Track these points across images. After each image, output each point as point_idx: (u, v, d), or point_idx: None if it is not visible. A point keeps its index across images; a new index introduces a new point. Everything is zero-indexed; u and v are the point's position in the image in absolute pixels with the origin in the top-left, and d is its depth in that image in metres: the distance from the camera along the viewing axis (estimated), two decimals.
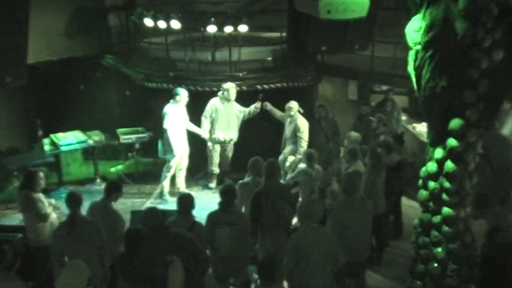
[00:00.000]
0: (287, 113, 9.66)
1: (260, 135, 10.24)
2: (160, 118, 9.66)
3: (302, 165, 8.44)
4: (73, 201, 6.16)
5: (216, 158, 10.11)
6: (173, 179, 9.98)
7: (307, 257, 5.44)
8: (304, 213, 5.62)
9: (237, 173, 9.39)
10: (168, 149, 9.65)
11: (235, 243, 6.12)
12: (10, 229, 8.11)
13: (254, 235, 6.60)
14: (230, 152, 10.23)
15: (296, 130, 9.56)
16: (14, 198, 8.82)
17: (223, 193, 6.28)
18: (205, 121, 9.83)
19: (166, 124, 9.43)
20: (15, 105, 10.84)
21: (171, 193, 9.99)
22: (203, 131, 9.83)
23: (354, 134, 9.17)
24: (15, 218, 8.81)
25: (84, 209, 6.52)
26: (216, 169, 10.20)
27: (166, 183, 9.85)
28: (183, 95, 9.52)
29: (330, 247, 5.53)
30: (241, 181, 7.50)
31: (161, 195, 9.86)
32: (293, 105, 9.58)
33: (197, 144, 9.98)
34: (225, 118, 9.86)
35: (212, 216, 6.20)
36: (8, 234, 7.75)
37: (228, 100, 9.76)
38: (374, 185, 7.48)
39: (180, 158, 9.78)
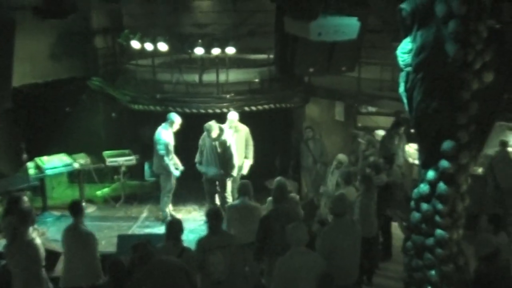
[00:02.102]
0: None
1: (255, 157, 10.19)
2: (146, 140, 9.57)
3: None
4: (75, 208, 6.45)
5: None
6: (158, 201, 9.87)
7: (295, 283, 5.36)
8: (289, 238, 5.55)
9: None
10: (163, 173, 9.52)
11: (228, 266, 6.02)
12: None
13: (260, 259, 6.48)
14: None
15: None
16: None
17: (210, 216, 6.19)
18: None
19: (163, 149, 9.32)
20: None
21: (157, 217, 9.89)
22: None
23: (345, 157, 9.16)
24: None
25: None
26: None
27: (167, 208, 9.73)
28: (176, 121, 9.43)
29: (319, 270, 5.43)
30: (230, 203, 7.43)
31: (163, 222, 9.64)
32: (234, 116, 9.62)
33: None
34: None
35: (202, 241, 6.09)
36: None
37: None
38: (368, 208, 7.46)
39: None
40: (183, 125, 9.56)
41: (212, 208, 6.40)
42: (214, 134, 9.01)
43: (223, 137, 9.10)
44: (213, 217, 6.16)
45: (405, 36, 5.52)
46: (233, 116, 9.67)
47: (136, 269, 4.98)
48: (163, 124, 9.42)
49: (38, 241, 6.32)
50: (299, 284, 5.35)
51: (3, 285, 6.37)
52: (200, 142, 9.45)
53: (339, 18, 6.61)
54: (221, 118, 9.88)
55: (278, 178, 7.27)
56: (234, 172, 9.33)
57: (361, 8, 7.85)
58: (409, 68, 5.44)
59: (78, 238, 6.47)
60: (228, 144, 9.13)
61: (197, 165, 9.52)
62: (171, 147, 9.43)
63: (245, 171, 9.76)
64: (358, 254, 6.43)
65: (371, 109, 12.10)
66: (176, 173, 9.56)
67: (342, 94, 11.18)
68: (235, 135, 9.65)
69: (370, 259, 7.68)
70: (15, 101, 7.88)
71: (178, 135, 9.62)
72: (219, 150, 9.13)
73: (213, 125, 9.08)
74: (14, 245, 6.16)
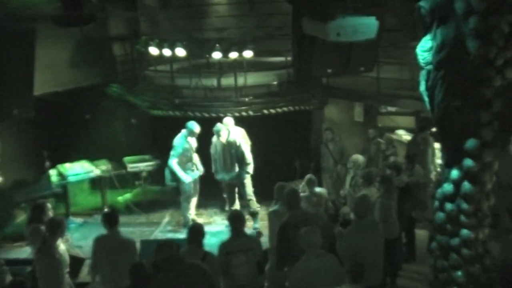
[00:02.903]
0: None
1: (275, 159, 10.18)
2: (167, 145, 9.61)
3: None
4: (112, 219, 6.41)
5: None
6: (180, 206, 9.91)
7: (313, 286, 5.34)
8: (303, 242, 5.53)
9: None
10: (180, 180, 9.55)
11: (251, 269, 6.02)
12: (19, 263, 8.01)
13: (282, 266, 6.41)
14: None
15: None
16: (22, 231, 8.74)
17: (233, 219, 6.19)
18: None
19: (174, 156, 9.37)
20: (22, 137, 10.80)
21: (178, 222, 9.92)
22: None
23: (360, 157, 9.09)
24: (24, 251, 8.72)
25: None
26: None
27: (188, 213, 9.74)
28: (196, 129, 9.40)
29: (335, 272, 5.45)
30: (271, 209, 7.39)
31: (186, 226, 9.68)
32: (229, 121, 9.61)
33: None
34: None
35: (225, 245, 6.09)
36: (17, 268, 7.65)
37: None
38: (388, 209, 7.39)
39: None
40: (202, 130, 9.58)
41: (234, 212, 6.39)
42: (224, 134, 9.12)
43: (231, 137, 9.20)
44: (235, 220, 6.16)
45: (425, 34, 5.46)
46: (228, 121, 9.63)
47: (159, 271, 4.97)
48: (183, 131, 9.46)
49: (62, 247, 6.39)
50: (317, 287, 5.32)
51: None
52: (211, 150, 9.50)
53: (357, 18, 6.58)
54: (240, 122, 9.90)
55: (289, 186, 7.24)
56: (251, 169, 9.34)
57: (378, 7, 7.82)
58: (429, 66, 5.38)
59: (118, 247, 6.43)
60: (238, 142, 9.21)
61: (215, 174, 9.57)
62: (190, 153, 9.45)
63: None
64: (381, 255, 6.38)
65: (391, 109, 12.00)
66: (187, 180, 9.54)
67: (361, 95, 11.11)
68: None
69: (393, 261, 7.61)
70: (36, 109, 7.96)
71: (197, 139, 9.65)
72: (231, 150, 9.21)
73: (220, 126, 9.20)
74: (43, 251, 6.24)
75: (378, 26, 6.84)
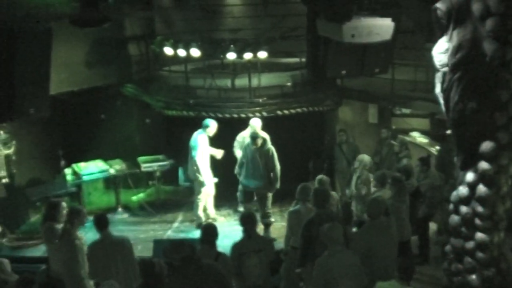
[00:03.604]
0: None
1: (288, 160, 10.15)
2: (181, 145, 9.65)
3: None
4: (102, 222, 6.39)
5: None
6: (193, 206, 9.93)
7: (335, 281, 5.39)
8: (325, 238, 5.60)
9: None
10: (196, 178, 9.57)
11: (264, 270, 6.03)
12: (34, 261, 8.09)
13: (303, 264, 6.42)
14: None
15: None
16: (37, 229, 8.83)
17: (245, 220, 6.20)
18: None
19: (197, 154, 9.37)
20: (38, 136, 10.90)
21: (191, 221, 9.94)
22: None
23: (366, 157, 9.05)
24: (38, 249, 8.80)
25: None
26: None
27: (201, 213, 9.77)
28: (212, 126, 9.47)
29: (356, 269, 5.51)
30: (291, 209, 7.39)
31: (198, 227, 9.68)
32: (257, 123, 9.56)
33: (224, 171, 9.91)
34: None
35: (237, 245, 6.11)
36: (32, 265, 7.73)
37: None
38: (399, 211, 7.35)
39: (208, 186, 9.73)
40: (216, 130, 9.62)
41: (246, 212, 6.40)
42: (259, 142, 8.94)
43: (267, 145, 9.02)
44: (247, 221, 6.18)
45: (441, 36, 5.42)
46: (255, 122, 9.64)
47: (176, 271, 4.97)
48: (199, 130, 9.48)
49: (80, 242, 6.47)
50: (339, 283, 5.38)
51: None
52: (241, 152, 9.40)
53: (373, 19, 6.57)
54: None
55: (319, 182, 7.24)
56: (277, 185, 9.15)
57: (394, 9, 7.79)
58: (445, 68, 5.33)
59: (113, 247, 6.46)
60: (271, 153, 9.02)
61: (239, 176, 9.48)
62: (206, 151, 9.48)
63: None
64: (394, 256, 6.36)
65: (405, 111, 11.94)
66: (206, 180, 9.57)
67: (375, 96, 11.07)
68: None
69: (405, 263, 7.56)
70: (52, 109, 8.04)
71: (211, 140, 9.68)
72: (261, 160, 9.01)
73: (258, 132, 9.07)
74: (63, 239, 6.40)
75: (394, 27, 6.81)
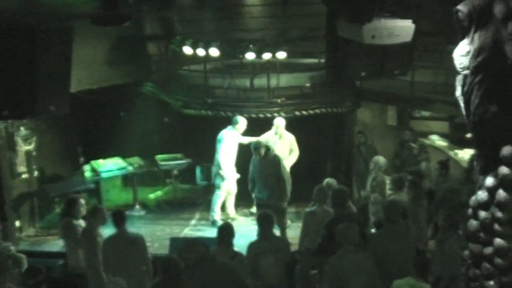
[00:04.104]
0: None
1: (306, 161, 10.15)
2: (198, 144, 9.68)
3: None
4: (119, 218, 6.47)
5: None
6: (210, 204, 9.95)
7: (347, 281, 5.38)
8: (340, 237, 5.60)
9: None
10: (219, 174, 9.60)
11: (279, 270, 6.02)
12: (51, 255, 8.20)
13: (320, 253, 6.44)
14: None
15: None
16: (56, 225, 8.94)
17: (261, 220, 6.21)
18: None
19: (221, 149, 9.42)
20: (58, 133, 11.03)
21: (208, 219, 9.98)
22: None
23: (382, 159, 8.99)
24: (57, 245, 8.90)
25: None
26: None
27: (217, 210, 9.80)
28: (242, 123, 9.54)
29: (369, 270, 5.48)
30: (307, 210, 7.38)
31: (214, 224, 9.74)
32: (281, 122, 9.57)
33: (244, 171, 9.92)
34: None
35: (253, 245, 6.12)
36: (49, 260, 7.82)
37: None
38: (416, 214, 7.29)
39: (230, 184, 9.77)
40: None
41: (263, 212, 6.39)
42: (262, 152, 8.82)
43: (272, 153, 8.91)
44: (264, 221, 6.18)
45: (462, 38, 5.36)
46: (279, 122, 9.65)
47: (190, 270, 4.99)
48: (229, 126, 9.58)
49: (100, 239, 6.55)
50: (350, 283, 5.36)
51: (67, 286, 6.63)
52: (250, 167, 9.24)
53: (393, 21, 6.52)
54: (271, 122, 9.89)
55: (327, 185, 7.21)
56: (287, 194, 9.00)
57: (414, 10, 7.74)
58: (466, 71, 5.27)
59: (128, 244, 6.53)
60: (278, 160, 8.89)
61: (252, 192, 9.38)
62: (231, 148, 9.54)
63: None
64: (411, 260, 6.31)
65: (424, 113, 11.84)
66: (229, 176, 9.57)
67: (394, 98, 10.99)
68: (278, 142, 9.64)
69: (421, 259, 7.50)
70: (72, 106, 8.11)
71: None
72: (269, 169, 8.85)
73: (260, 141, 9.01)
74: (84, 236, 6.57)
75: (414, 29, 6.76)
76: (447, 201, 8.24)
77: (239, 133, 9.63)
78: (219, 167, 9.54)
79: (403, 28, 6.43)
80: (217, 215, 9.79)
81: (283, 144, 9.72)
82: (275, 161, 8.88)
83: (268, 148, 8.89)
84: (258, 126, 10.04)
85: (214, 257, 5.22)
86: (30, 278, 5.41)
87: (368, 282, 5.43)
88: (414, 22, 6.59)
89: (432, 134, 11.58)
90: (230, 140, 9.53)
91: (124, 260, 6.35)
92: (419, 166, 9.67)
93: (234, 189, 9.88)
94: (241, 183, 9.96)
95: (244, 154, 9.67)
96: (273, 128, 9.67)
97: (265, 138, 9.81)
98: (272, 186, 8.90)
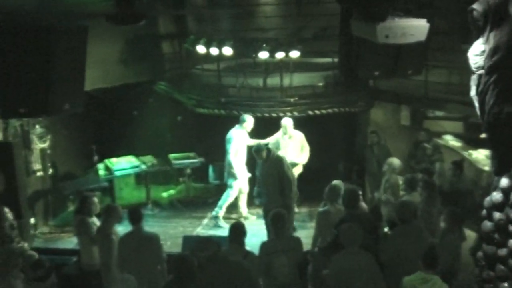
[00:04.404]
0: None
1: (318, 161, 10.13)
2: (211, 143, 9.71)
3: None
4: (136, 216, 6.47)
5: None
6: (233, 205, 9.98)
7: (348, 282, 5.39)
8: (342, 238, 5.62)
9: None
10: (231, 173, 9.64)
11: (292, 270, 6.02)
12: (65, 253, 8.25)
13: (333, 250, 6.43)
14: None
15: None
16: (70, 222, 9.02)
17: (274, 220, 6.20)
18: None
19: (231, 149, 9.45)
20: (72, 131, 11.11)
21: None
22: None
23: (396, 161, 8.94)
24: (70, 242, 8.97)
25: None
26: None
27: (224, 208, 9.84)
28: (249, 121, 9.56)
29: (371, 271, 5.48)
30: (321, 209, 7.37)
31: (215, 219, 9.78)
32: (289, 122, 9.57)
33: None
34: None
35: (266, 245, 6.11)
36: (63, 257, 7.88)
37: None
38: (430, 215, 7.25)
39: (242, 183, 9.79)
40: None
41: (276, 212, 6.38)
42: (263, 154, 8.70)
43: (274, 155, 8.80)
44: (277, 220, 6.17)
45: (477, 38, 5.33)
46: (287, 122, 9.65)
47: (202, 269, 4.99)
48: (236, 125, 9.59)
49: (115, 238, 6.59)
50: (352, 284, 5.37)
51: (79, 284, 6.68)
52: (256, 172, 9.18)
53: (407, 20, 6.47)
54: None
55: (350, 185, 7.22)
56: (291, 195, 8.83)
57: (429, 9, 7.68)
58: (481, 71, 5.24)
59: (143, 242, 6.54)
60: (280, 161, 8.74)
61: (257, 199, 9.29)
62: (241, 147, 9.56)
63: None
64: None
65: (438, 113, 11.75)
66: (241, 175, 9.60)
67: (408, 98, 10.92)
68: (289, 142, 9.64)
69: (430, 252, 7.45)
70: (86, 105, 8.16)
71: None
72: (273, 171, 8.70)
73: (260, 145, 8.94)
74: (99, 235, 6.60)
75: (429, 28, 6.71)
76: (461, 202, 8.21)
77: (247, 132, 9.64)
78: (231, 167, 9.55)
79: (417, 27, 6.37)
80: (221, 212, 9.82)
81: (294, 143, 9.72)
82: (277, 162, 8.74)
83: (269, 150, 8.80)
84: (271, 125, 10.04)
85: (227, 256, 5.22)
86: (34, 272, 5.44)
87: (370, 283, 5.41)
88: (428, 21, 6.53)
89: (446, 134, 11.48)
90: (239, 139, 9.55)
91: (138, 258, 6.36)
92: (433, 166, 9.59)
93: (246, 188, 9.91)
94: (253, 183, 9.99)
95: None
96: (281, 129, 9.67)
97: (275, 139, 9.82)
98: (272, 190, 8.70)
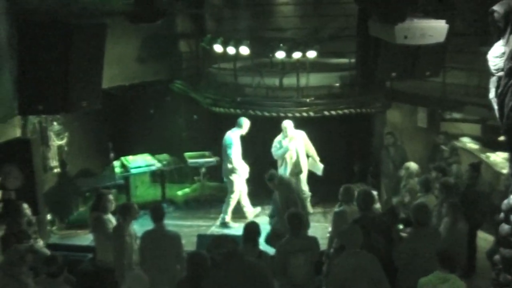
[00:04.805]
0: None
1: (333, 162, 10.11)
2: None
3: None
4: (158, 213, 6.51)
5: None
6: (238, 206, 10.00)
7: (350, 283, 5.36)
8: (344, 239, 5.60)
9: None
10: (230, 176, 9.68)
11: (309, 270, 6.01)
12: (81, 249, 8.31)
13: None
14: None
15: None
16: (86, 219, 9.07)
17: (292, 219, 6.19)
18: None
19: (233, 152, 9.51)
20: (89, 128, 11.20)
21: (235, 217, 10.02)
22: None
23: (413, 165, 8.88)
24: (86, 239, 9.03)
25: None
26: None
27: (229, 212, 9.87)
28: (246, 124, 9.63)
29: (374, 271, 5.43)
30: (337, 209, 7.36)
31: (223, 225, 9.83)
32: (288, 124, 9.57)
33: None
34: None
35: (284, 244, 6.09)
36: (79, 254, 7.94)
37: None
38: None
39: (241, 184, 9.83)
40: (263, 128, 9.64)
41: (293, 211, 6.38)
42: (276, 183, 8.37)
43: (283, 179, 8.58)
44: (294, 220, 6.16)
45: (497, 40, 5.27)
46: (287, 124, 9.65)
47: (218, 267, 4.98)
48: (233, 128, 9.64)
49: (129, 237, 6.61)
50: (354, 285, 5.34)
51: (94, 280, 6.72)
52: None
53: (426, 21, 6.43)
54: (301, 123, 9.88)
55: (364, 186, 7.19)
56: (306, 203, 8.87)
57: (448, 10, 7.62)
58: (501, 73, 5.19)
59: (164, 240, 6.55)
60: (287, 187, 8.37)
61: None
62: (238, 147, 9.63)
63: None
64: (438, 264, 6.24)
65: (456, 115, 11.65)
66: (242, 175, 9.67)
67: (425, 100, 10.83)
68: (291, 144, 9.66)
69: (448, 252, 7.39)
70: (103, 102, 8.22)
71: (256, 139, 9.72)
72: (280, 197, 8.36)
73: (274, 174, 8.63)
74: (115, 233, 6.63)
75: (448, 30, 6.67)
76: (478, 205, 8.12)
77: (242, 134, 9.70)
78: (233, 171, 9.62)
79: (436, 29, 6.33)
80: (227, 217, 9.86)
81: (296, 145, 9.71)
82: (284, 187, 8.43)
83: (271, 175, 8.49)
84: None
85: (243, 254, 5.21)
86: (47, 268, 5.48)
87: (373, 284, 5.38)
88: (448, 22, 6.48)
89: (463, 136, 11.38)
90: (238, 142, 9.63)
91: (159, 256, 6.38)
92: (450, 169, 9.51)
93: (245, 188, 9.90)
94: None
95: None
96: (282, 132, 9.67)
97: (277, 141, 9.80)
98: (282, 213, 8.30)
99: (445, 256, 5.21)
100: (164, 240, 6.46)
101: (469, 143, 11.05)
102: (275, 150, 9.84)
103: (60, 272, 5.44)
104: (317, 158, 9.94)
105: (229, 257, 4.97)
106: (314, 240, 6.32)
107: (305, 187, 9.89)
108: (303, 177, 9.93)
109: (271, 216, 8.75)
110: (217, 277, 4.94)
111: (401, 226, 7.21)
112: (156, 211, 6.60)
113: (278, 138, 9.84)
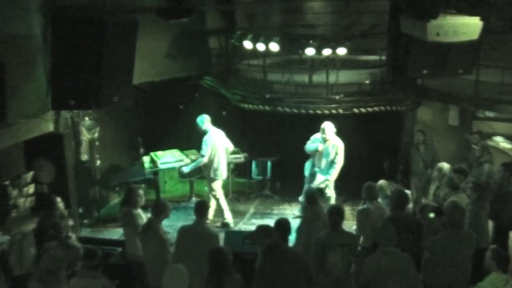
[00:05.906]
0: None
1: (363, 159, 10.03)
2: (255, 139, 9.74)
3: None
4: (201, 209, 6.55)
5: None
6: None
7: (383, 282, 5.35)
8: (377, 238, 5.62)
9: None
10: (213, 176, 9.82)
11: (345, 265, 5.99)
12: (111, 243, 8.43)
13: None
14: None
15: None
16: (116, 213, 9.20)
17: (332, 213, 6.19)
18: None
19: (206, 151, 9.69)
20: (120, 123, 11.32)
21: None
22: None
23: (446, 166, 8.74)
24: (116, 233, 9.16)
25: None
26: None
27: (227, 213, 9.96)
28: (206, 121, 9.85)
29: (407, 271, 5.42)
30: (361, 207, 7.33)
31: (226, 226, 9.84)
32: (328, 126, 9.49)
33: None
34: None
35: (322, 238, 6.08)
36: (109, 248, 8.05)
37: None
38: (478, 218, 7.08)
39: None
40: (292, 125, 9.62)
41: (335, 205, 6.39)
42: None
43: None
44: (335, 213, 6.15)
45: None
46: (326, 125, 9.57)
47: (262, 256, 4.98)
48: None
49: (166, 236, 6.66)
50: (388, 283, 5.32)
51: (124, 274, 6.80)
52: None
53: (459, 18, 6.32)
54: (330, 120, 9.82)
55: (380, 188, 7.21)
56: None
57: (483, 7, 7.48)
58: None
59: (203, 237, 6.51)
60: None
61: None
62: (222, 148, 9.86)
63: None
64: (469, 266, 6.15)
65: (489, 114, 11.43)
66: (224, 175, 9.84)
67: (457, 98, 10.65)
68: (322, 146, 9.60)
69: (481, 271, 7.28)
70: (134, 98, 8.30)
71: (287, 135, 9.68)
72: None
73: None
74: (148, 233, 6.61)
75: (482, 27, 6.53)
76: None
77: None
78: (217, 169, 9.77)
79: (469, 26, 6.21)
80: (228, 217, 9.90)
81: (328, 149, 9.63)
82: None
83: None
84: (316, 121, 9.99)
85: (287, 246, 5.22)
86: (89, 262, 5.57)
87: (405, 283, 5.35)
88: (482, 19, 6.35)
89: (496, 135, 11.17)
90: (220, 140, 9.82)
91: (196, 252, 6.29)
92: (482, 168, 9.35)
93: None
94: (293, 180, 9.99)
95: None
96: (320, 131, 9.62)
97: (313, 138, 9.73)
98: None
99: (502, 257, 5.15)
100: (203, 237, 6.40)
101: (502, 142, 10.84)
102: (308, 143, 9.81)
103: (100, 264, 5.54)
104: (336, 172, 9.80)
105: (274, 247, 5.00)
106: (353, 237, 6.32)
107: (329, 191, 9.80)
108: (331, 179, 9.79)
109: None
110: (262, 266, 4.95)
111: (431, 215, 7.06)
112: (200, 206, 6.62)
113: (317, 135, 9.78)
